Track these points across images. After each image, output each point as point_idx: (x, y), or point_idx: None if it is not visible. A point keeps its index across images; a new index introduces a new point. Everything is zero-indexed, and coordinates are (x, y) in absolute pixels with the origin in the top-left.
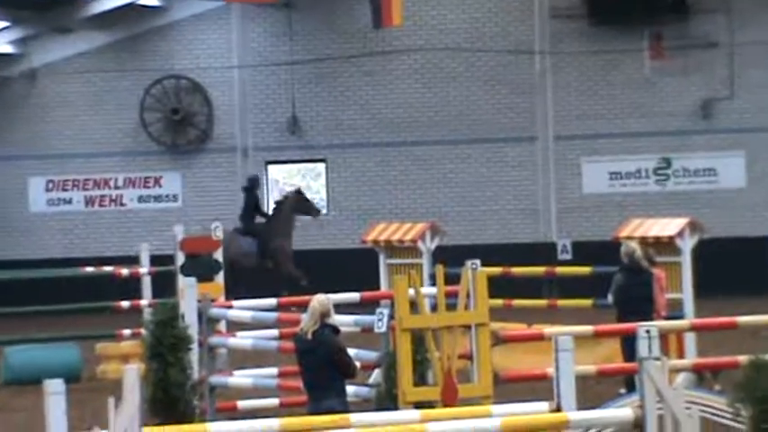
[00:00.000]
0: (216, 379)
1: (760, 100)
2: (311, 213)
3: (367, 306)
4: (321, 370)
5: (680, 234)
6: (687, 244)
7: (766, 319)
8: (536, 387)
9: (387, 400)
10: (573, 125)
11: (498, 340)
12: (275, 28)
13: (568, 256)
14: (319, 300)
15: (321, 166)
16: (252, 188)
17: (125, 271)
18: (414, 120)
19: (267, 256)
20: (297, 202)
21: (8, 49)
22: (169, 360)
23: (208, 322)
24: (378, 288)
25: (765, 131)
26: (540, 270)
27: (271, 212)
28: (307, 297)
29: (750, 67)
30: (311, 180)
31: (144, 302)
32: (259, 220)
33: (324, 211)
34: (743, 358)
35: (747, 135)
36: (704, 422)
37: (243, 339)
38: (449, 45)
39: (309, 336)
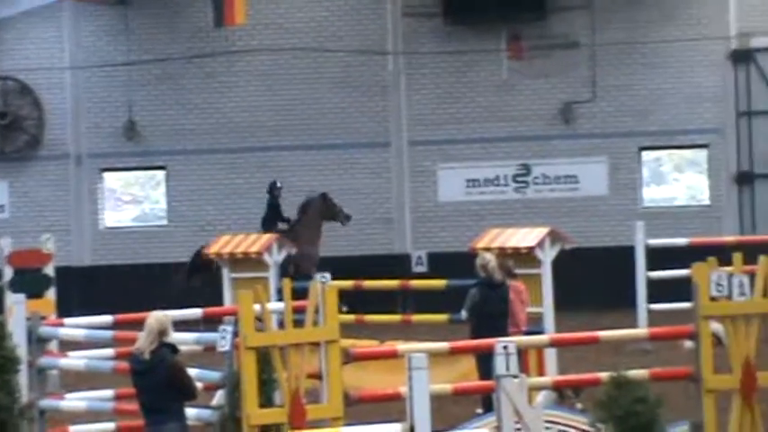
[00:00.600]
0: (46, 402)
1: (622, 103)
2: (338, 219)
3: (210, 323)
4: (159, 392)
5: (540, 245)
6: (547, 255)
7: (628, 334)
8: (389, 407)
9: (230, 423)
10: (428, 130)
11: (349, 358)
12: (110, 26)
13: (424, 269)
14: (156, 317)
15: (161, 174)
16: (272, 193)
17: None
18: (260, 124)
19: (290, 262)
20: (323, 208)
21: None
22: None
23: (37, 341)
24: (221, 304)
25: (628, 136)
26: (393, 283)
27: (295, 218)
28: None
29: (612, 69)
30: (150, 189)
31: None
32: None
33: (350, 216)
34: (604, 375)
35: (610, 140)
36: None
37: (75, 360)
38: (296, 45)
39: (146, 355)
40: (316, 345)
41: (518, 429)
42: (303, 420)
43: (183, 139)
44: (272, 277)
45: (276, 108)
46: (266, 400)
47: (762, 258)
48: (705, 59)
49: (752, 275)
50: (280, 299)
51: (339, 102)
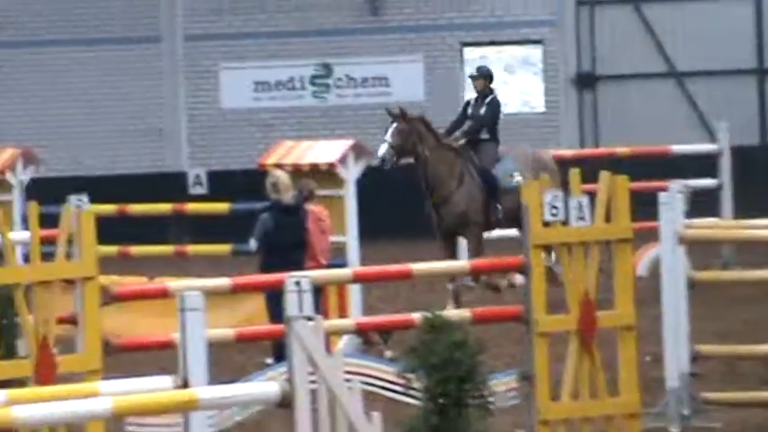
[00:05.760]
0: None
1: None
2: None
3: None
4: None
5: (342, 160)
6: (352, 173)
7: (447, 267)
8: (158, 357)
9: None
10: (208, 22)
11: (110, 298)
12: None
13: (203, 190)
14: None
15: None
16: None
17: None
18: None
19: None
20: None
21: None
22: None
23: None
24: None
25: (447, 30)
26: (165, 207)
27: None
28: None
29: None
30: None
31: None
32: None
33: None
34: (417, 316)
35: (425, 35)
36: (370, 396)
37: None
38: None
39: None
40: (70, 282)
41: (313, 382)
42: (53, 373)
43: None
44: (16, 200)
45: None
46: (7, 350)
47: (603, 175)
48: None
49: (592, 196)
50: (26, 227)
51: None
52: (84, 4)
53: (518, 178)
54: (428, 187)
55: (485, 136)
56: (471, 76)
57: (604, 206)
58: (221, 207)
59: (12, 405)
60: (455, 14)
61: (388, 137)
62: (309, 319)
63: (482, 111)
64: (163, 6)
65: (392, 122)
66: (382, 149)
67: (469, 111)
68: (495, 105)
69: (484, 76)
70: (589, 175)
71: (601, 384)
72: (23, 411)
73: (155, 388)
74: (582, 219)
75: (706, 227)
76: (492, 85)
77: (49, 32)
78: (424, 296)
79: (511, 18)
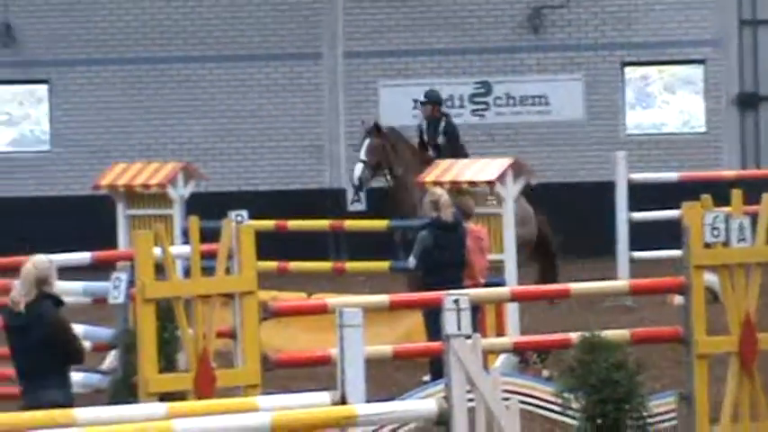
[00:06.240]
0: None
1: (602, 8)
2: None
3: (100, 270)
4: (38, 352)
5: (501, 179)
6: (510, 191)
7: (606, 286)
8: (317, 373)
9: (124, 390)
10: (368, 39)
11: (269, 313)
12: None
13: (361, 207)
14: (35, 262)
15: (43, 89)
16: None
17: None
18: (164, 30)
19: None
20: None
21: None
22: None
23: None
24: (115, 246)
25: (608, 49)
26: (324, 224)
27: None
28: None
29: None
30: (30, 108)
31: None
32: None
33: None
34: (576, 336)
35: (586, 54)
36: (527, 415)
37: None
38: None
39: (22, 308)
40: (229, 297)
41: (471, 400)
42: (212, 387)
43: (69, 47)
44: (177, 215)
45: (184, 11)
46: (168, 363)
47: (765, 196)
48: None
49: (754, 217)
50: (186, 241)
51: (262, 4)
52: (248, 20)
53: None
54: (396, 208)
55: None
56: (420, 102)
57: (766, 228)
58: (379, 224)
59: (172, 418)
60: (616, 33)
61: (363, 155)
62: (468, 337)
63: (440, 140)
64: (324, 24)
65: (365, 138)
66: (358, 170)
67: (425, 138)
68: (452, 133)
69: (433, 101)
70: (750, 197)
71: (762, 407)
72: (183, 425)
73: (312, 403)
74: (743, 240)
75: None
76: (443, 109)
77: (211, 48)
78: (582, 316)
79: (673, 37)
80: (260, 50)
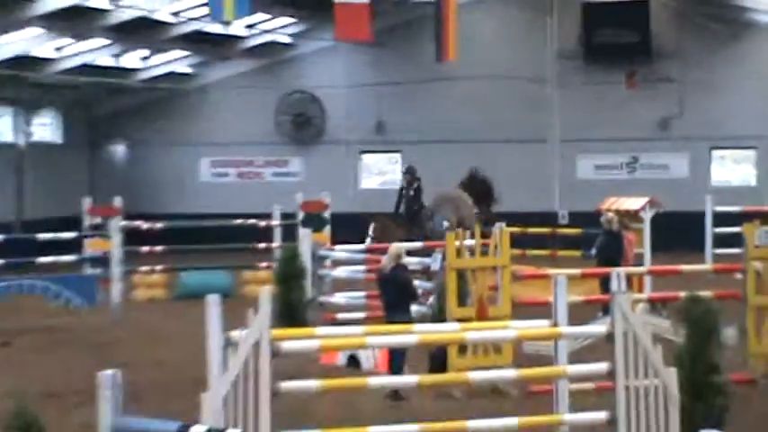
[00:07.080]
0: (323, 298)
1: (701, 118)
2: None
3: (424, 254)
4: (394, 294)
5: (643, 208)
6: (648, 216)
7: (700, 268)
8: (541, 311)
9: (438, 316)
10: (572, 131)
11: (516, 278)
12: (370, 59)
13: (566, 221)
14: (396, 246)
15: (398, 156)
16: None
17: (263, 223)
18: (467, 123)
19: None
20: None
21: (188, 70)
22: (291, 285)
23: (318, 259)
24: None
25: (705, 140)
26: (546, 230)
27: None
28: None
29: (694, 95)
30: (390, 165)
31: (275, 245)
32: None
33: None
34: (683, 294)
35: (692, 142)
36: (654, 337)
37: (342, 272)
38: (487, 74)
39: (388, 271)
40: (494, 268)
41: (625, 327)
42: (485, 316)
43: (413, 132)
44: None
45: (476, 115)
46: (462, 302)
47: None
48: (754, 85)
49: None
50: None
51: (515, 110)
52: (508, 120)
53: (446, 224)
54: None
55: (416, 207)
56: (402, 173)
57: None
58: (576, 231)
59: (464, 332)
60: (708, 132)
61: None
62: (624, 293)
63: (411, 193)
64: (548, 124)
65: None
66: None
67: (404, 195)
68: (418, 191)
69: (412, 174)
70: None
71: None
72: (470, 335)
73: (539, 326)
74: None
75: None
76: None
77: (487, 135)
78: (687, 284)
79: (738, 134)
80: (513, 137)
